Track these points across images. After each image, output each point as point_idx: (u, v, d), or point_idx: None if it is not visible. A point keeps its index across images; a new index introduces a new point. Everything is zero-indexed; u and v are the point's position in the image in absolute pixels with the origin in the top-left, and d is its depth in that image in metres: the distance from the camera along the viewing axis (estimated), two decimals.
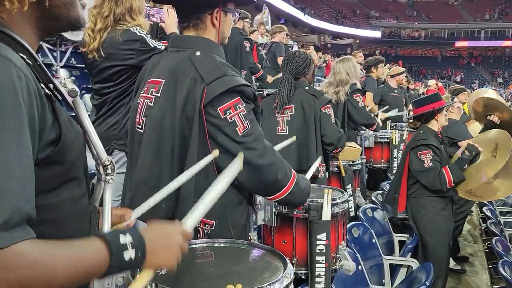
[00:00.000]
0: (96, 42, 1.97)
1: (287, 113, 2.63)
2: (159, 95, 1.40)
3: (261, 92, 4.91)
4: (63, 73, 4.25)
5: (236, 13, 1.55)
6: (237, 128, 1.30)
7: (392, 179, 3.36)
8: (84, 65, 2.31)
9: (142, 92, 1.48)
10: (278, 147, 1.70)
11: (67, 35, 3.69)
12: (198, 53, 1.38)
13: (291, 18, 31.72)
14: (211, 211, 0.94)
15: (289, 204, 1.70)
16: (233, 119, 1.30)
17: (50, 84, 0.70)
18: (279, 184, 1.39)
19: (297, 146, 2.54)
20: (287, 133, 2.57)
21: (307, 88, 2.68)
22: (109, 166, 0.82)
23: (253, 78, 5.33)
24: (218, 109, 1.29)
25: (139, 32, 2.00)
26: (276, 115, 2.68)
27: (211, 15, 1.42)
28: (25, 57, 0.64)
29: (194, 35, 1.45)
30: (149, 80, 1.47)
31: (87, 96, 3.74)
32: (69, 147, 0.70)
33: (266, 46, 6.53)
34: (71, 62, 4.89)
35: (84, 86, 4.09)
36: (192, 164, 1.17)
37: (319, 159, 2.15)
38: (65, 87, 0.77)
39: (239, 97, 1.32)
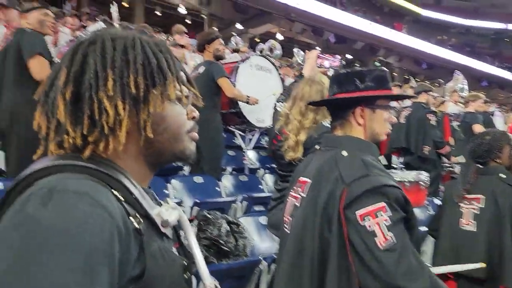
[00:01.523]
0: (299, 154, 2.01)
1: (474, 204, 2.22)
2: (304, 195, 1.38)
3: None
4: (251, 154, 4.75)
5: (388, 109, 1.43)
6: (377, 240, 1.13)
7: None
8: None
9: (292, 191, 1.49)
10: (447, 269, 1.41)
11: (255, 123, 4.16)
12: (344, 153, 1.32)
13: (496, 79, 28.16)
14: None
15: None
16: (372, 228, 1.14)
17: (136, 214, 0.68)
18: None
19: (486, 246, 2.08)
20: (474, 229, 2.15)
21: (502, 175, 2.23)
22: None
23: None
24: (356, 213, 1.17)
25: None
26: (460, 204, 2.29)
27: (354, 114, 1.37)
28: (118, 194, 0.65)
29: (342, 134, 1.41)
30: (299, 179, 1.47)
31: (268, 176, 4.04)
32: (157, 280, 0.67)
33: (459, 117, 5.92)
34: (260, 143, 5.45)
35: (268, 165, 4.44)
36: (332, 276, 1.08)
37: None
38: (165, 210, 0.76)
39: (383, 202, 1.16)
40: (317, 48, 25.56)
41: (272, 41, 11.69)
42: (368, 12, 25.15)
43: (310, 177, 1.39)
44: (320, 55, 2.37)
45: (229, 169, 4.31)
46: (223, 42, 4.04)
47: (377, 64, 27.88)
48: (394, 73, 29.74)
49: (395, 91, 4.49)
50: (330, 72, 8.12)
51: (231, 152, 4.65)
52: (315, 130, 1.98)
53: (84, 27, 5.59)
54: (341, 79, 1.41)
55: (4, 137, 2.82)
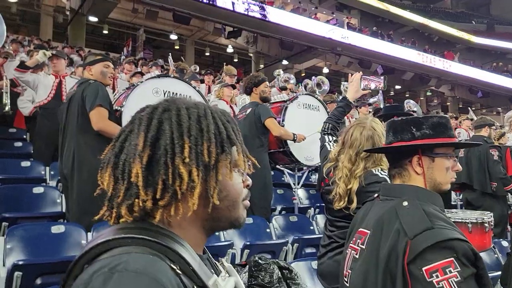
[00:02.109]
0: (353, 204, 1.92)
1: None
2: (364, 247, 1.33)
3: None
4: (301, 193, 4.68)
5: (451, 157, 1.35)
6: None
7: None
8: None
9: (350, 242, 1.44)
10: None
11: (303, 161, 4.12)
12: (405, 203, 1.26)
13: None
14: None
15: None
16: (441, 285, 1.07)
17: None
18: None
19: None
20: None
21: None
22: None
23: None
24: (423, 269, 1.10)
25: (381, 173, 1.91)
26: None
27: (411, 163, 1.32)
28: (177, 267, 0.65)
29: (401, 183, 1.35)
30: (358, 230, 1.42)
31: (319, 217, 3.94)
32: None
33: None
34: (310, 180, 5.37)
35: (318, 205, 4.34)
36: None
37: None
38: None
39: (452, 258, 1.09)
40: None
41: (319, 77, 11.74)
42: (417, 42, 24.73)
43: (370, 228, 1.33)
44: (365, 76, 2.29)
45: (278, 208, 4.26)
46: (269, 84, 4.11)
47: (429, 93, 27.15)
48: (447, 103, 28.70)
49: (452, 122, 4.27)
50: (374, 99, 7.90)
51: (280, 191, 4.61)
52: (364, 178, 1.90)
53: (141, 73, 5.93)
54: (397, 126, 1.37)
55: (66, 182, 2.98)
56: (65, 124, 3.00)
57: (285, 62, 22.31)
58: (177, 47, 22.27)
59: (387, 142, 1.40)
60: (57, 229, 2.61)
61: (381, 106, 6.54)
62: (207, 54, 21.69)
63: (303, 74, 24.65)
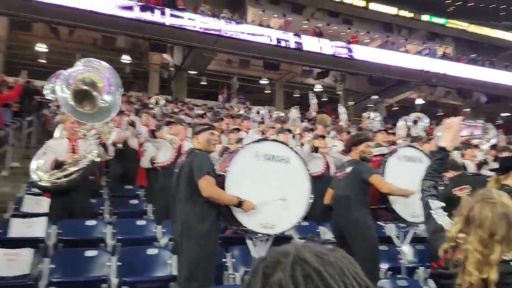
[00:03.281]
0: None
1: None
2: None
3: None
4: (407, 250, 4.38)
5: None
6: None
7: None
8: None
9: None
10: None
11: (409, 218, 3.89)
12: None
13: None
14: None
15: None
16: None
17: None
18: None
19: None
20: None
21: None
22: None
23: None
24: None
25: None
26: None
27: None
28: None
29: None
30: None
31: (431, 281, 3.63)
32: None
33: None
34: (417, 233, 5.00)
35: (428, 264, 4.01)
36: None
37: None
38: None
39: None
40: (466, 110, 23.51)
41: (415, 114, 11.18)
42: None
43: None
44: (465, 122, 1.96)
45: (383, 267, 4.02)
46: (370, 144, 4.02)
47: None
48: None
49: None
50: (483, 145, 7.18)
51: (383, 247, 4.34)
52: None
53: (237, 129, 6.24)
54: None
55: (177, 246, 3.19)
56: (175, 192, 3.25)
57: (374, 96, 21.77)
58: (268, 92, 23.12)
59: None
60: None
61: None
62: (297, 95, 22.07)
63: (395, 108, 23.73)
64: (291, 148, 3.67)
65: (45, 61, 18.60)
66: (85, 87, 4.05)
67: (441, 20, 23.60)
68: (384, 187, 3.62)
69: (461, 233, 1.80)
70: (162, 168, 4.95)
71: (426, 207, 2.25)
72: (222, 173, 3.35)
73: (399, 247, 4.13)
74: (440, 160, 2.23)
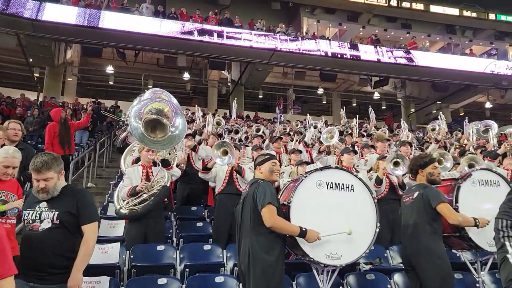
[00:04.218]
0: None
1: None
2: None
3: None
4: (488, 279, 4.09)
5: None
6: None
7: None
8: None
9: None
10: None
11: (486, 247, 3.63)
12: None
13: None
14: None
15: None
16: None
17: None
18: None
19: None
20: None
21: None
22: None
23: None
24: None
25: None
26: None
27: None
28: None
29: None
30: None
31: None
32: None
33: None
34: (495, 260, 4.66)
35: None
36: None
37: None
38: None
39: None
40: None
41: (485, 122, 10.41)
42: None
43: None
44: None
45: None
46: (438, 165, 3.82)
47: None
48: None
49: None
50: None
51: (458, 275, 4.09)
52: None
53: (299, 151, 6.22)
54: None
55: (244, 276, 3.23)
56: (240, 223, 3.30)
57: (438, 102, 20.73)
58: (324, 102, 22.87)
59: None
60: None
61: None
62: (354, 104, 21.62)
63: (461, 114, 22.38)
64: (355, 176, 3.59)
65: (112, 83, 19.91)
66: (155, 116, 4.23)
67: (509, 18, 21.99)
68: (452, 218, 3.42)
69: None
70: (218, 194, 5.18)
71: (501, 249, 2.08)
72: (285, 203, 3.36)
73: (478, 279, 3.84)
74: None
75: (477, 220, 3.45)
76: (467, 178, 3.81)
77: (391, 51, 17.07)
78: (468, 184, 3.77)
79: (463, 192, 3.71)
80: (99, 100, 16.18)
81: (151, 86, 19.22)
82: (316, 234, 3.16)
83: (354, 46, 16.70)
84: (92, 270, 3.75)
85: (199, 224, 5.41)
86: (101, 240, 4.56)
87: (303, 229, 3.13)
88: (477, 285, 3.82)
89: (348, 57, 16.22)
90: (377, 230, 3.45)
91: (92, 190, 8.55)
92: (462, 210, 3.61)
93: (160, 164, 4.47)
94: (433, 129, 9.67)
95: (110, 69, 18.54)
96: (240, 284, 3.53)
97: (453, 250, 3.96)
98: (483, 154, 6.77)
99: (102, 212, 5.97)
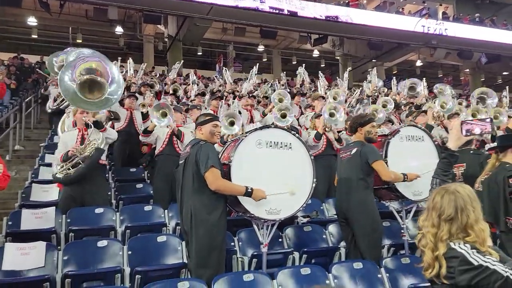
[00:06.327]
0: (444, 270, 1.78)
1: None
2: None
3: None
4: (411, 225, 4.48)
5: None
6: None
7: None
8: None
9: None
10: None
11: (411, 197, 3.95)
12: None
13: None
14: None
15: None
16: None
17: None
18: None
19: None
20: None
21: None
22: None
23: None
24: None
25: (460, 248, 1.77)
26: None
27: None
28: None
29: None
30: None
31: None
32: None
33: None
34: (419, 207, 5.10)
35: None
36: None
37: None
38: None
39: None
40: (466, 71, 23.26)
41: (411, 80, 11.01)
42: None
43: None
44: (468, 120, 2.06)
45: (386, 244, 4.14)
46: (375, 124, 4.02)
47: None
48: None
49: None
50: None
51: (385, 223, 4.44)
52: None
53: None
54: None
55: (187, 236, 3.27)
56: (182, 184, 3.29)
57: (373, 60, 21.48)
58: (265, 60, 22.77)
59: None
60: (182, 285, 2.88)
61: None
62: (294, 62, 21.78)
63: (394, 72, 23.46)
64: (293, 134, 3.68)
65: (36, 36, 18.21)
66: (91, 76, 3.95)
67: None
68: (385, 175, 3.67)
69: (425, 221, 1.91)
70: (157, 155, 5.12)
71: None
72: (226, 162, 3.38)
73: (402, 227, 4.20)
74: (446, 160, 2.31)
75: (405, 176, 3.74)
76: (396, 134, 4.06)
77: (329, 8, 17.18)
78: (396, 140, 4.03)
79: (392, 147, 3.97)
80: (21, 55, 14.80)
81: (80, 41, 17.88)
82: (262, 193, 3.23)
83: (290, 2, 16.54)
84: (27, 236, 3.60)
85: (139, 185, 5.32)
86: (34, 205, 4.36)
87: (249, 189, 3.18)
88: (402, 231, 4.19)
89: (286, 12, 16.08)
90: (313, 185, 3.62)
91: (21, 153, 8.02)
92: (391, 164, 3.87)
93: (92, 126, 4.24)
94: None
95: (32, 21, 16.87)
96: (183, 243, 3.58)
97: (382, 201, 4.27)
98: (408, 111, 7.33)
99: (33, 176, 5.65)
